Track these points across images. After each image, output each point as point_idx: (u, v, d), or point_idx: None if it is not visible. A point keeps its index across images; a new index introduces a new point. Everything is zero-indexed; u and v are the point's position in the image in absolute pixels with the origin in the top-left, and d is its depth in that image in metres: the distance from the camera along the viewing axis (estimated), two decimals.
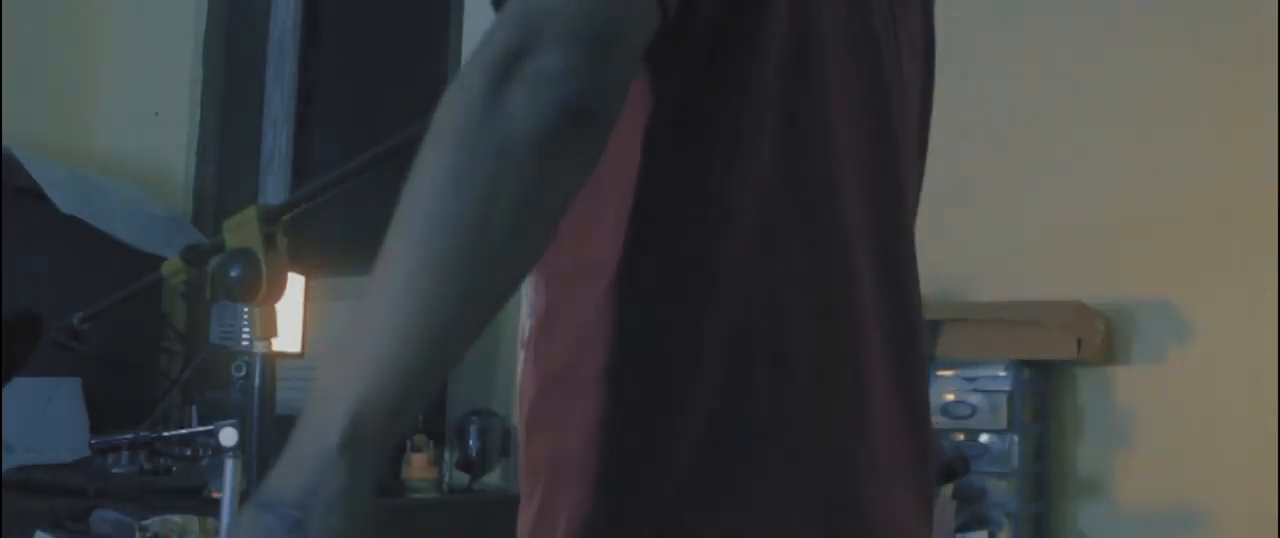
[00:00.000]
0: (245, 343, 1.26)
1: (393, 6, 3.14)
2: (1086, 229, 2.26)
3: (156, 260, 2.39)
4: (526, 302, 0.94)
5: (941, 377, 2.20)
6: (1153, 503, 1.98)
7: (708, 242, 0.86)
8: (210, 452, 2.51)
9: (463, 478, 2.49)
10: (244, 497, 1.26)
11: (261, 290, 1.23)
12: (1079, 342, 2.17)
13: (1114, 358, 2.25)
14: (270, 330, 1.25)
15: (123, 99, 3.52)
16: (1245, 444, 2.10)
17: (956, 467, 1.90)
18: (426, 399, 0.76)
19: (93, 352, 1.55)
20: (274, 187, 3.17)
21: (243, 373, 1.26)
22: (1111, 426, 2.25)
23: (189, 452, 2.56)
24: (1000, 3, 2.36)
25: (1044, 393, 2.27)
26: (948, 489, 1.98)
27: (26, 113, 3.24)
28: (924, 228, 1.22)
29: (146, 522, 1.99)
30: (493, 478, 2.54)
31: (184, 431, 1.91)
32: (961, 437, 2.22)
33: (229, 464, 1.28)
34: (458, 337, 0.80)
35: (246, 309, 1.25)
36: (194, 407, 2.70)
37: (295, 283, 1.36)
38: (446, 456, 2.52)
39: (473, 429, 2.47)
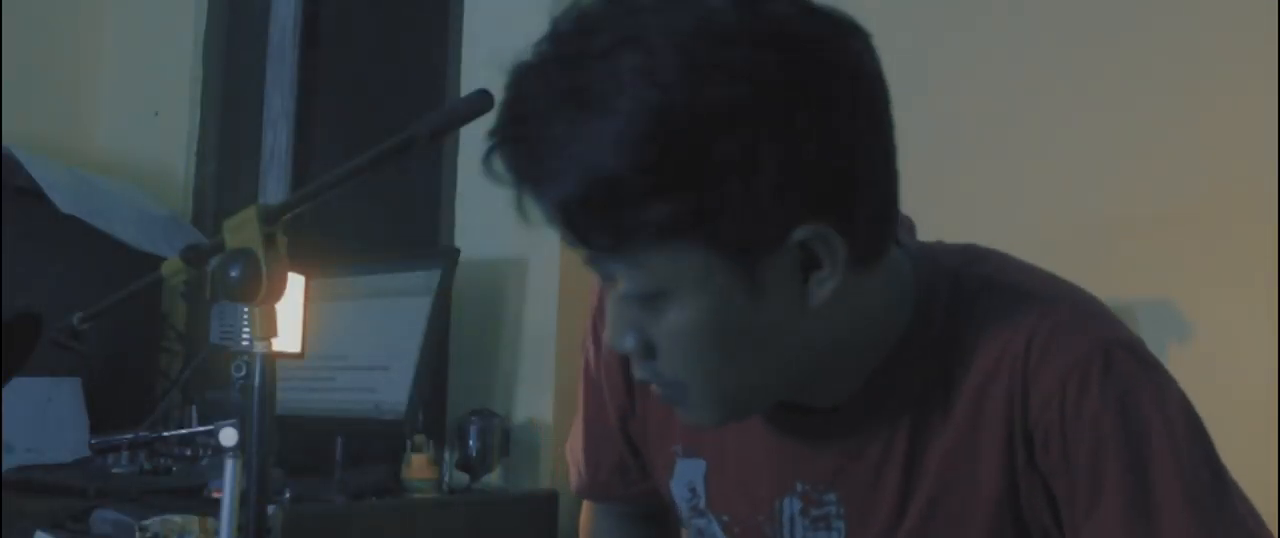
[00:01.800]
0: (245, 343, 1.26)
1: (393, 6, 3.14)
2: (1086, 229, 2.26)
3: (156, 260, 2.40)
4: None
5: None
6: None
7: None
8: (210, 452, 2.51)
9: (463, 478, 2.49)
10: (244, 497, 1.26)
11: (261, 290, 1.23)
12: None
13: None
14: (270, 330, 1.25)
15: (123, 99, 3.52)
16: (1245, 444, 2.10)
17: None
18: None
19: (93, 352, 1.55)
20: (274, 187, 3.17)
21: (243, 373, 1.26)
22: None
23: (189, 452, 2.57)
24: (1000, 3, 2.36)
25: None
26: None
27: (26, 113, 3.24)
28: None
29: (146, 522, 1.99)
30: (493, 478, 2.54)
31: (184, 431, 1.90)
32: None
33: (229, 464, 1.28)
34: None
35: (246, 309, 1.25)
36: (194, 407, 2.70)
37: (295, 283, 1.36)
38: (446, 456, 2.52)
39: (473, 429, 2.47)
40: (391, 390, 2.50)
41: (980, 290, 1.04)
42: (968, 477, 1.01)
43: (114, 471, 2.49)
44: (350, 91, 3.23)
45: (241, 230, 1.25)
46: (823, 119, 0.90)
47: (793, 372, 1.00)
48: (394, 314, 2.57)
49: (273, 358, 1.26)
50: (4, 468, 2.48)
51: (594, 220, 0.90)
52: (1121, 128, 2.26)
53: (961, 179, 2.25)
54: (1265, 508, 2.06)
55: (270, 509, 1.75)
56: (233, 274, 1.23)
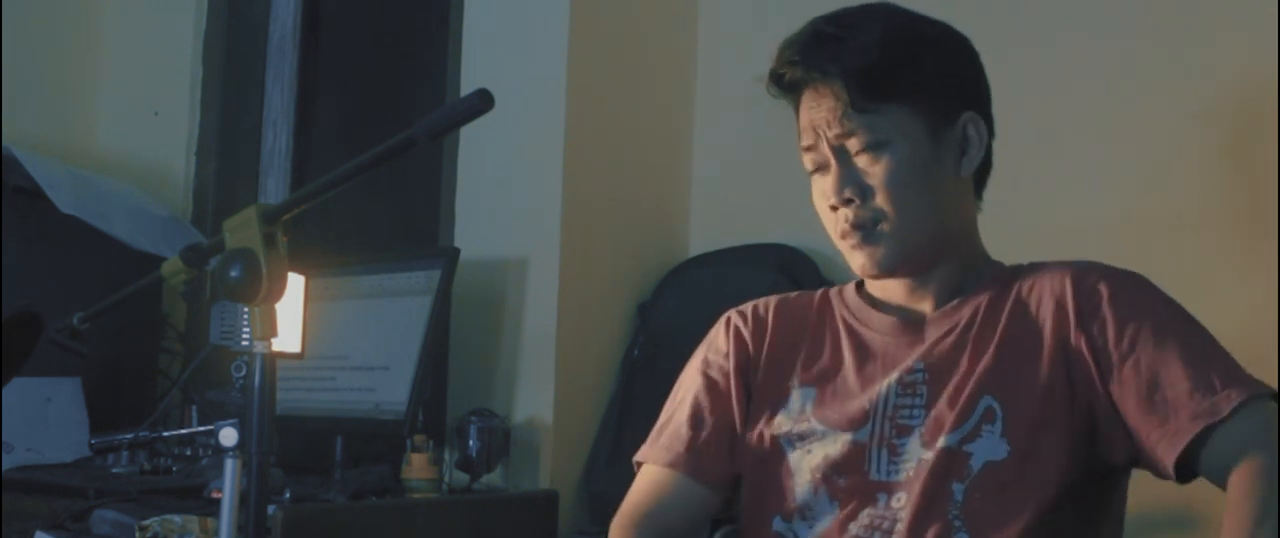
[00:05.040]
0: (245, 343, 1.27)
1: (393, 6, 3.14)
2: (1087, 229, 2.26)
3: (156, 260, 2.40)
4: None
5: None
6: (1153, 503, 1.97)
7: None
8: (210, 452, 2.51)
9: (463, 478, 2.49)
10: (244, 497, 1.26)
11: (261, 290, 1.23)
12: None
13: None
14: (270, 330, 1.26)
15: (123, 99, 3.52)
16: None
17: None
18: None
19: (93, 352, 1.55)
20: (274, 187, 3.17)
21: (243, 373, 1.27)
22: None
23: (189, 452, 2.57)
24: (1000, 4, 2.36)
25: None
26: None
27: (26, 113, 3.24)
28: None
29: (146, 522, 1.99)
30: (493, 478, 2.54)
31: (184, 431, 1.91)
32: None
33: (229, 464, 1.28)
34: None
35: (246, 309, 1.26)
36: (194, 407, 2.70)
37: (295, 283, 1.36)
38: (446, 456, 2.52)
39: (473, 429, 2.47)
40: (391, 390, 2.50)
41: (1031, 264, 1.57)
42: (1030, 329, 1.47)
43: (114, 471, 2.49)
44: (350, 91, 3.23)
45: (241, 230, 1.25)
46: (976, 60, 1.58)
47: (939, 233, 1.50)
48: (394, 314, 2.57)
49: (273, 358, 1.26)
50: (4, 468, 2.48)
51: (869, 84, 1.44)
52: (1122, 128, 2.26)
53: None
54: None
55: (270, 509, 1.75)
56: (233, 274, 1.23)
